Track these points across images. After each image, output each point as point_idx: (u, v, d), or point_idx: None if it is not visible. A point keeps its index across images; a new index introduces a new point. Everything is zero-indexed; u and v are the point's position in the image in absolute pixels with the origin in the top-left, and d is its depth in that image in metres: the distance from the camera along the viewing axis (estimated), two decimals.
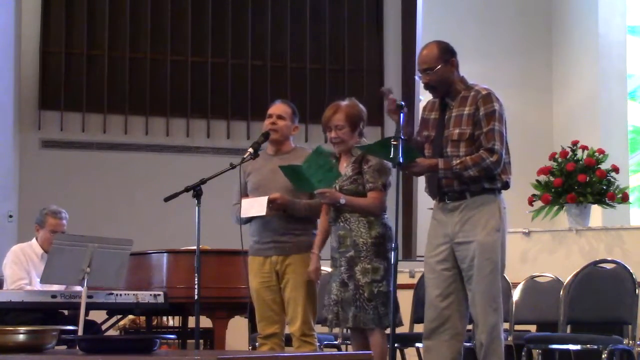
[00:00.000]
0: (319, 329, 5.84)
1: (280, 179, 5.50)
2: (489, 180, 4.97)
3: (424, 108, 5.25)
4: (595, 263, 6.66)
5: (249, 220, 5.67)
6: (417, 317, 6.68)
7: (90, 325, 6.50)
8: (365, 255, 5.26)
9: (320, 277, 5.54)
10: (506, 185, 5.05)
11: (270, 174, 5.63)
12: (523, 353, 6.36)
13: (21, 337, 3.61)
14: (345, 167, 5.35)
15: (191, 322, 6.56)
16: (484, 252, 4.93)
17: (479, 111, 4.96)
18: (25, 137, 10.15)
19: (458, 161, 4.91)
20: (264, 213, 5.49)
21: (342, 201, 5.29)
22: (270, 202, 5.49)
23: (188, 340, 7.50)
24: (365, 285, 5.23)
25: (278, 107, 5.75)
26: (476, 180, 4.95)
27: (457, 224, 5.00)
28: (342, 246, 5.33)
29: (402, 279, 7.05)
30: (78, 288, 6.31)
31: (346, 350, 6.66)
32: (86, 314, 6.17)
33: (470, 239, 4.96)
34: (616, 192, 8.03)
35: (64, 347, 4.59)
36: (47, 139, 10.26)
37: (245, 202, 5.61)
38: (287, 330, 5.69)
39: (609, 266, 6.57)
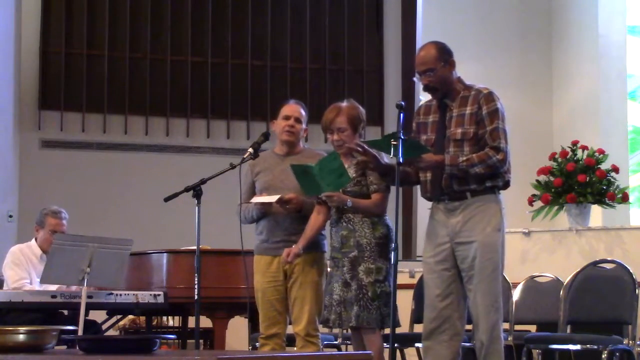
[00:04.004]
0: (319, 328, 5.83)
1: (291, 180, 5.48)
2: (491, 178, 4.98)
3: (417, 113, 5.24)
4: (595, 263, 6.66)
5: (256, 219, 5.66)
6: (417, 317, 6.68)
7: (90, 325, 6.51)
8: (369, 256, 5.25)
9: (293, 260, 5.50)
10: (507, 184, 5.06)
11: (281, 174, 5.62)
12: (523, 353, 6.36)
13: (21, 337, 3.60)
14: (347, 169, 5.34)
15: (191, 322, 6.56)
16: (486, 252, 4.94)
17: (482, 110, 4.97)
18: (25, 137, 10.15)
19: (464, 158, 4.91)
20: (274, 200, 5.48)
21: (349, 204, 5.28)
22: (286, 202, 5.49)
23: (188, 340, 7.50)
24: (369, 284, 5.22)
25: (296, 109, 5.72)
26: (480, 178, 4.95)
27: (458, 224, 5.00)
28: (345, 246, 5.31)
29: (402, 279, 7.06)
30: (78, 288, 6.30)
31: (346, 350, 6.66)
32: (86, 314, 6.17)
33: (471, 239, 4.96)
34: (616, 192, 8.04)
35: (64, 347, 4.59)
36: (47, 139, 10.27)
37: (256, 198, 5.61)
38: (291, 329, 5.68)
39: (609, 266, 6.57)
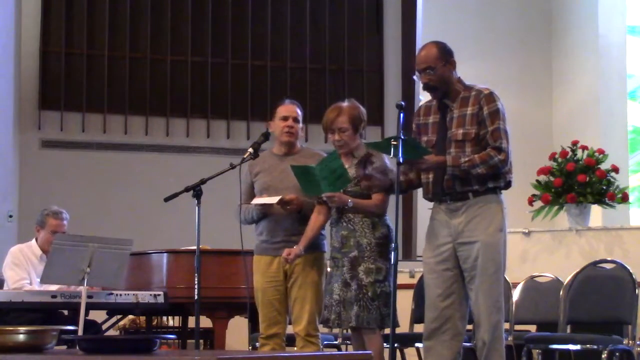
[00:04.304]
0: (319, 328, 5.83)
1: (291, 179, 5.47)
2: (493, 178, 4.98)
3: (417, 114, 5.24)
4: (595, 263, 6.66)
5: (256, 220, 5.66)
6: (417, 317, 6.68)
7: (90, 325, 6.51)
8: (369, 256, 5.25)
9: (294, 260, 5.50)
10: (509, 184, 5.06)
11: (281, 174, 5.61)
12: (523, 353, 6.36)
13: (21, 337, 3.60)
14: (347, 169, 5.34)
15: (191, 322, 6.56)
16: (488, 253, 4.94)
17: (483, 110, 4.97)
18: (25, 137, 10.15)
19: (466, 158, 4.91)
20: (275, 201, 5.48)
21: (350, 204, 5.28)
22: (287, 203, 5.49)
23: (188, 340, 7.50)
24: (369, 285, 5.22)
25: (292, 110, 5.72)
26: (482, 178, 4.95)
27: (460, 224, 5.00)
28: (345, 246, 5.31)
29: (402, 279, 7.06)
30: (78, 288, 6.30)
31: (346, 350, 6.66)
32: (86, 314, 6.17)
33: (473, 239, 4.97)
34: (616, 192, 8.04)
35: (64, 347, 4.59)
36: (47, 139, 10.26)
37: (257, 199, 5.61)
38: (291, 329, 5.68)
39: (609, 266, 6.57)
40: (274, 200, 5.48)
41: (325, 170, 5.20)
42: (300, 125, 5.74)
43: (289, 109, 5.73)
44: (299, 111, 5.74)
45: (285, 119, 5.69)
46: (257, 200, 5.58)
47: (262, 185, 5.68)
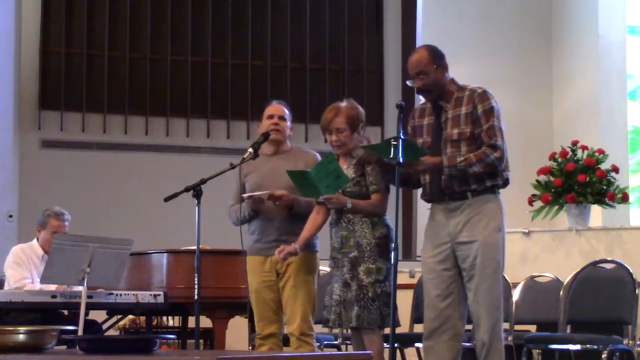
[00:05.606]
0: (318, 329, 5.83)
1: (281, 178, 5.49)
2: (491, 177, 4.99)
3: (412, 116, 5.25)
4: (595, 263, 6.66)
5: (248, 219, 5.66)
6: (417, 317, 6.68)
7: (90, 325, 6.51)
8: (369, 256, 5.24)
9: (287, 257, 5.48)
10: (507, 182, 5.07)
11: (270, 173, 5.63)
12: (523, 353, 6.36)
13: (21, 337, 3.61)
14: (345, 169, 5.34)
15: (191, 322, 6.56)
16: (487, 252, 4.95)
17: (477, 109, 4.98)
18: (25, 137, 10.16)
19: (462, 158, 4.92)
20: (265, 196, 5.48)
21: (349, 205, 5.27)
22: (277, 198, 5.49)
23: (188, 340, 7.50)
24: (369, 285, 5.21)
25: (278, 108, 5.75)
26: (479, 177, 4.96)
27: (459, 224, 5.00)
28: (345, 247, 5.30)
29: (402, 279, 7.06)
30: (78, 288, 6.30)
31: (346, 350, 6.66)
32: (86, 314, 6.17)
33: (472, 238, 4.97)
34: (616, 192, 8.04)
35: (64, 347, 4.60)
36: (47, 139, 10.27)
37: (247, 194, 5.61)
38: (285, 329, 5.67)
39: (609, 266, 6.58)
40: (263, 194, 5.48)
41: (321, 173, 5.19)
42: (288, 124, 5.74)
43: (274, 108, 5.76)
44: (285, 110, 5.76)
45: (270, 117, 5.71)
46: (247, 194, 5.58)
47: (253, 185, 5.68)
